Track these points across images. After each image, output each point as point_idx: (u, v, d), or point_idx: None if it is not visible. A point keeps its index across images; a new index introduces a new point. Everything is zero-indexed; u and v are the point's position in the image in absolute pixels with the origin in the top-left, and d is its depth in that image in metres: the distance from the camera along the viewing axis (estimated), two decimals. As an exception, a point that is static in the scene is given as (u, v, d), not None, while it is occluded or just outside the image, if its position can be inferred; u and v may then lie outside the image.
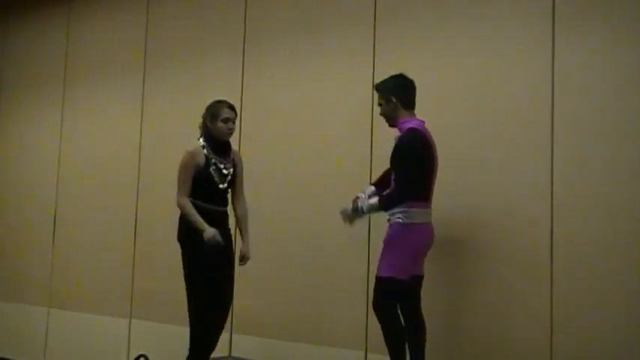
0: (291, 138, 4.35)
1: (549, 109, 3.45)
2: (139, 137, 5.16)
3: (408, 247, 3.27)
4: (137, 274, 5.03)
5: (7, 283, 5.91)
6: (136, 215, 5.10)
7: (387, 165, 3.90)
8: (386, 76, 3.98)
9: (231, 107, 3.68)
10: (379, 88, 3.46)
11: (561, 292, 3.35)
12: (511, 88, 3.58)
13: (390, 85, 3.40)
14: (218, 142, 3.65)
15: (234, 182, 3.75)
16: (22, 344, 5.65)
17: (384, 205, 3.33)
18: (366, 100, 4.04)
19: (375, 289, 3.35)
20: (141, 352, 4.55)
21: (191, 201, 3.62)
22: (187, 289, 3.63)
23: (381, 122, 3.96)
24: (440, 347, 3.52)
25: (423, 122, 3.37)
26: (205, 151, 3.62)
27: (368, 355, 3.90)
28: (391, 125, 3.42)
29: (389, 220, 3.33)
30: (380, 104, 3.44)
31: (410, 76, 3.91)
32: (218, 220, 3.65)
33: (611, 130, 3.30)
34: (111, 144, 5.34)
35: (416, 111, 3.82)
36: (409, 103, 3.39)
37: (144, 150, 5.12)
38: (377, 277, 3.33)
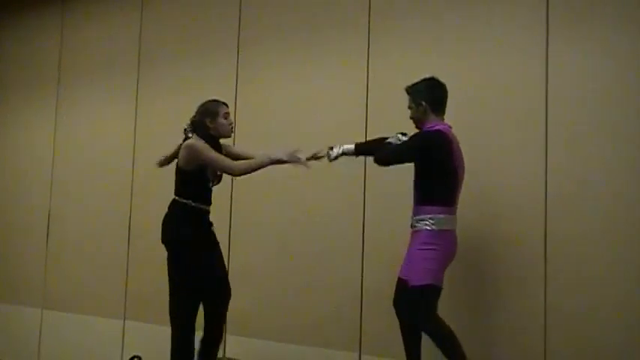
0: (285, 138, 4.34)
1: (543, 110, 3.46)
2: (133, 138, 5.15)
3: (440, 254, 3.13)
4: (131, 275, 5.02)
5: (0, 284, 5.89)
6: (130, 216, 5.09)
7: (381, 169, 3.90)
8: (380, 77, 4.02)
9: (226, 104, 3.70)
10: (410, 90, 3.33)
11: (555, 292, 3.36)
12: (505, 89, 3.58)
13: (421, 89, 3.29)
14: (215, 141, 3.62)
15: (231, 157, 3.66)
16: (15, 345, 5.63)
17: (360, 150, 3.38)
18: (361, 100, 4.05)
19: (412, 301, 3.14)
20: (135, 354, 4.54)
21: (177, 200, 3.57)
22: (177, 289, 3.55)
23: (374, 123, 3.98)
24: (429, 352, 3.52)
25: (450, 127, 3.26)
26: None
27: (362, 356, 3.90)
28: (418, 129, 3.32)
29: (413, 226, 3.22)
30: (410, 107, 3.33)
31: (403, 77, 3.91)
32: (205, 219, 3.64)
33: (605, 131, 3.31)
34: (105, 145, 5.32)
35: (409, 112, 3.84)
36: (439, 108, 3.28)
37: (138, 151, 5.11)
38: (413, 287, 3.12)
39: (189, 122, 3.65)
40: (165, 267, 4.74)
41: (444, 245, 3.14)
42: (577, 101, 3.40)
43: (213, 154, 3.49)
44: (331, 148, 3.52)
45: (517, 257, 3.46)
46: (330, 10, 4.28)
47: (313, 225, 4.18)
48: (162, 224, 3.62)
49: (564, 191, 3.38)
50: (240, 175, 3.53)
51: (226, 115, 3.63)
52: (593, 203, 3.30)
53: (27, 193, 5.80)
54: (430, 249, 3.12)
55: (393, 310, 3.77)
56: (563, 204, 3.38)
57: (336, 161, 3.54)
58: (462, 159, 3.22)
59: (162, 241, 3.59)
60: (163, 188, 4.90)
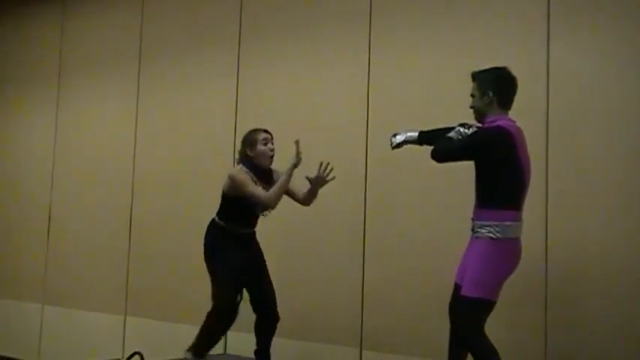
0: (287, 135, 4.32)
1: (544, 107, 3.46)
2: (133, 134, 5.14)
3: (502, 266, 2.88)
4: (132, 271, 5.03)
5: (1, 280, 5.89)
6: (131, 212, 5.09)
7: (381, 165, 3.90)
8: (381, 72, 4.01)
9: (267, 131, 3.68)
10: (477, 77, 3.04)
11: (556, 290, 3.36)
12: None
13: (490, 77, 3.00)
14: (261, 170, 3.62)
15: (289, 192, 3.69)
16: (16, 341, 5.64)
17: (424, 139, 3.14)
18: (362, 97, 4.04)
19: (461, 311, 2.91)
20: (136, 349, 4.54)
21: (214, 220, 3.63)
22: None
23: (375, 118, 3.98)
24: (432, 347, 3.53)
25: (514, 122, 2.98)
26: (250, 176, 3.57)
27: (363, 352, 3.91)
28: (478, 121, 3.06)
29: (475, 232, 2.95)
30: (473, 95, 3.05)
31: (405, 73, 3.93)
32: (250, 242, 3.70)
33: (607, 128, 3.30)
34: (106, 141, 5.32)
35: (411, 108, 3.84)
36: (506, 102, 3.01)
37: (138, 147, 5.11)
38: (463, 297, 2.89)
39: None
40: (165, 263, 4.79)
41: (506, 256, 2.89)
42: (578, 98, 3.39)
43: (249, 189, 3.48)
44: (394, 135, 3.28)
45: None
46: (331, 6, 4.27)
47: (314, 220, 4.17)
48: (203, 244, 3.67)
49: (565, 188, 3.38)
50: (276, 202, 3.50)
51: (265, 141, 3.62)
52: (595, 200, 3.30)
53: (28, 189, 5.81)
54: (490, 261, 2.86)
55: (393, 306, 3.80)
56: (565, 201, 3.37)
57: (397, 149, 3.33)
58: (527, 157, 2.95)
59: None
60: (164, 184, 4.93)
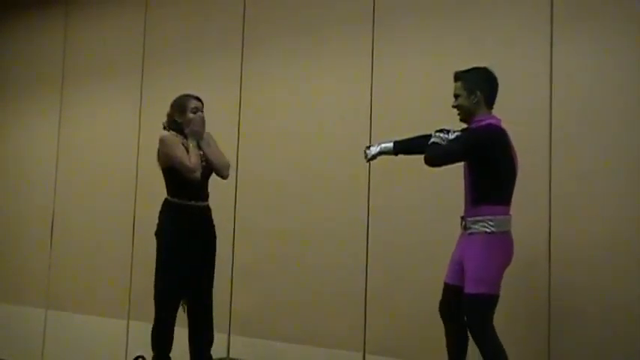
0: (289, 139, 4.35)
1: (547, 110, 3.46)
2: (137, 138, 5.15)
3: (500, 259, 2.94)
4: (135, 275, 5.03)
5: (4, 285, 5.89)
6: (134, 216, 5.09)
7: (385, 170, 3.90)
8: (384, 77, 4.01)
9: (198, 98, 3.63)
10: (463, 77, 3.08)
11: (559, 293, 3.35)
12: (509, 89, 3.57)
13: (477, 77, 3.07)
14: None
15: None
16: (19, 346, 5.63)
17: (399, 149, 3.19)
18: (365, 101, 4.05)
19: (468, 309, 2.93)
20: (139, 354, 4.54)
21: (168, 199, 3.55)
22: (155, 280, 3.62)
23: (378, 122, 3.98)
24: (434, 351, 3.52)
25: (500, 120, 3.06)
26: (180, 139, 3.53)
27: (366, 356, 3.90)
28: (465, 120, 3.11)
29: (468, 228, 3.00)
30: (458, 95, 3.08)
31: (408, 77, 3.94)
32: (200, 218, 3.58)
33: (610, 131, 3.31)
34: (109, 145, 5.33)
35: (414, 113, 3.85)
36: (491, 101, 3.09)
37: (142, 151, 5.11)
38: (468, 295, 2.91)
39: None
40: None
41: (503, 249, 2.95)
42: (581, 101, 3.40)
43: (176, 150, 3.42)
44: (368, 147, 3.31)
45: (521, 258, 3.45)
46: (334, 10, 4.28)
47: (317, 224, 4.17)
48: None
49: (568, 191, 3.38)
50: (195, 167, 3.42)
51: (195, 109, 3.55)
52: (598, 203, 3.30)
53: (31, 193, 5.81)
54: (489, 256, 2.90)
55: (397, 311, 3.80)
56: (567, 204, 3.38)
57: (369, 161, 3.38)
58: (516, 154, 3.03)
59: None
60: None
